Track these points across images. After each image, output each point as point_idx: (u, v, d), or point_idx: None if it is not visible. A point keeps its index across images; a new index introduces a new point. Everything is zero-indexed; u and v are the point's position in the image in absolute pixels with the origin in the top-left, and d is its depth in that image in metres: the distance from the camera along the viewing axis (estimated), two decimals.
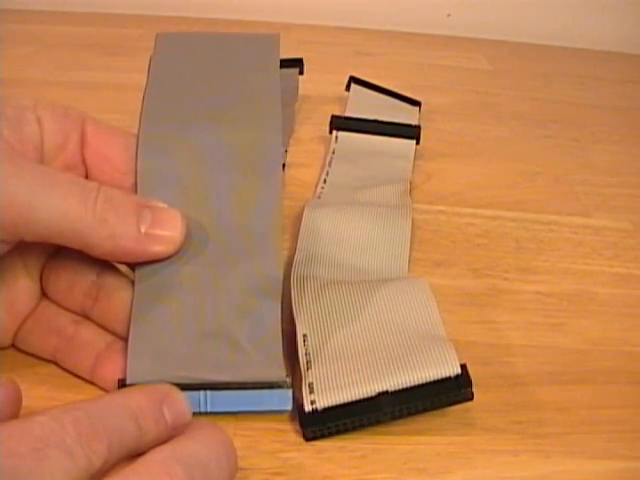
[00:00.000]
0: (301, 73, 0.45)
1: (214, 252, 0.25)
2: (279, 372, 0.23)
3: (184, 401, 0.21)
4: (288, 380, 0.23)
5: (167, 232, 0.23)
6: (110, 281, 0.25)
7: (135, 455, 0.19)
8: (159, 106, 0.27)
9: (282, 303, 0.25)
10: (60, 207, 0.21)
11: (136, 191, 0.26)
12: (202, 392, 0.22)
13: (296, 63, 0.45)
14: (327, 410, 0.24)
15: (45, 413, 0.17)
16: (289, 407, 0.23)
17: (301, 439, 0.24)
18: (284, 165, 0.40)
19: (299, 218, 0.34)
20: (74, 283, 0.25)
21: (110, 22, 0.64)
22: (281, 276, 0.25)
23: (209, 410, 0.22)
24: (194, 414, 0.22)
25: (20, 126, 0.23)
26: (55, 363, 0.25)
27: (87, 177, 0.26)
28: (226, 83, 0.28)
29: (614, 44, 0.67)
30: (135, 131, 0.27)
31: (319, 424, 0.24)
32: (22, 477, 0.16)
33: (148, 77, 0.28)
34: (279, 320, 0.24)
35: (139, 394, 0.20)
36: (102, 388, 0.24)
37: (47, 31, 0.60)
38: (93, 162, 0.26)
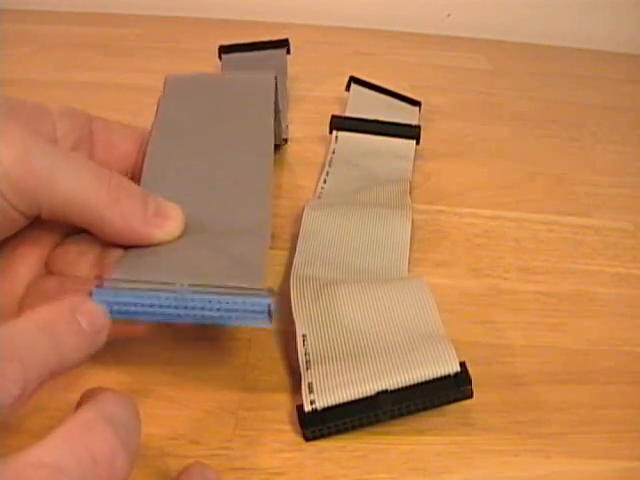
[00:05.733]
0: (288, 52, 0.50)
1: (204, 227, 0.26)
2: (258, 280, 0.22)
3: (97, 306, 0.21)
4: (268, 290, 0.22)
5: (169, 220, 0.24)
6: (115, 253, 0.25)
7: (65, 368, 0.19)
8: (164, 139, 0.29)
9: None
10: (78, 179, 0.22)
11: None
12: (181, 289, 0.22)
13: (283, 44, 0.50)
14: (327, 410, 0.24)
15: None
16: (265, 313, 0.22)
17: (301, 439, 0.24)
18: (286, 140, 0.43)
19: (299, 218, 0.34)
20: (80, 259, 0.25)
21: (110, 22, 0.64)
22: (269, 220, 0.26)
23: (186, 306, 0.22)
24: (172, 313, 0.22)
25: (37, 124, 0.25)
26: None
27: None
28: (226, 122, 0.30)
29: (614, 44, 0.67)
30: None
31: (319, 424, 0.24)
32: None
33: (156, 116, 0.30)
34: (263, 252, 0.24)
35: (44, 310, 0.20)
36: None
37: (47, 31, 0.60)
38: (103, 158, 0.27)
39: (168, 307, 0.22)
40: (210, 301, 0.22)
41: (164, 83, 0.32)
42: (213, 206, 0.26)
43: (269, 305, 0.22)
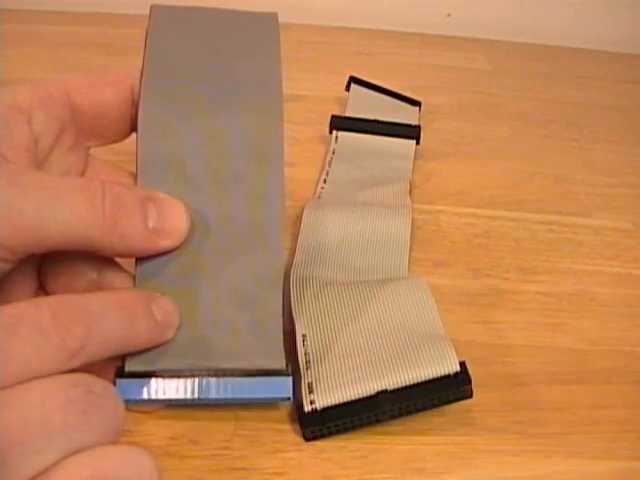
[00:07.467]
0: None
1: (216, 242, 0.24)
2: (279, 360, 0.23)
3: (172, 304, 0.22)
4: (288, 368, 0.23)
5: (173, 226, 0.23)
6: (111, 279, 0.25)
7: (128, 349, 0.20)
8: (158, 86, 0.27)
9: (282, 300, 0.25)
10: (71, 218, 0.21)
11: (137, 176, 0.25)
12: (202, 378, 0.22)
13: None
14: (327, 410, 0.24)
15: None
16: (288, 395, 0.23)
17: (301, 439, 0.24)
18: None
19: (299, 218, 0.34)
20: (74, 281, 0.25)
21: (110, 22, 0.64)
22: (282, 267, 0.25)
23: (209, 397, 0.22)
24: (194, 401, 0.22)
25: (9, 130, 0.23)
26: None
27: (88, 137, 0.26)
28: (226, 65, 0.28)
29: (614, 44, 0.67)
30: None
31: (319, 424, 0.24)
32: None
33: (145, 53, 0.28)
34: (280, 310, 0.24)
35: (125, 291, 0.21)
36: None
37: (47, 31, 0.60)
38: (90, 125, 0.26)
39: (186, 399, 0.22)
40: (231, 387, 0.22)
41: (150, 13, 0.29)
42: (218, 195, 0.25)
43: (291, 386, 0.22)
